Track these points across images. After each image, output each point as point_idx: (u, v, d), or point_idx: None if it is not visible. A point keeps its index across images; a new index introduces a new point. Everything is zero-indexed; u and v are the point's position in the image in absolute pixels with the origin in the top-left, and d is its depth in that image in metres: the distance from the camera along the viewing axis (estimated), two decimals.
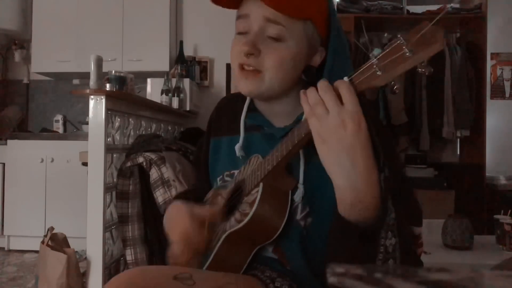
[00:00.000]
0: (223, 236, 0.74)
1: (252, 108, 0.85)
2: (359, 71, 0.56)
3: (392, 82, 0.54)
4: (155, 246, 1.82)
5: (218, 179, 0.88)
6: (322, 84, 0.58)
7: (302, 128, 0.63)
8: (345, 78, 0.57)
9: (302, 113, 0.72)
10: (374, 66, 0.53)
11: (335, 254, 0.63)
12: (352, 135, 0.55)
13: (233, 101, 0.91)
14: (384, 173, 0.60)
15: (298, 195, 0.72)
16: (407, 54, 0.51)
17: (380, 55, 0.53)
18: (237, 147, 0.82)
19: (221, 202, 0.83)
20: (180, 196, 0.96)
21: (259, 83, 0.74)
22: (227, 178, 0.86)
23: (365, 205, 0.57)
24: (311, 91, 0.59)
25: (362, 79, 0.55)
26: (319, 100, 0.57)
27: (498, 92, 3.68)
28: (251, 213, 0.69)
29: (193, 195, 0.95)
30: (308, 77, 0.80)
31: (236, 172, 0.83)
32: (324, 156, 0.58)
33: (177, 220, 0.78)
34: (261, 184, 0.70)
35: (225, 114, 0.92)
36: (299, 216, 0.73)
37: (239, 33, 0.76)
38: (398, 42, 0.52)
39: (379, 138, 0.67)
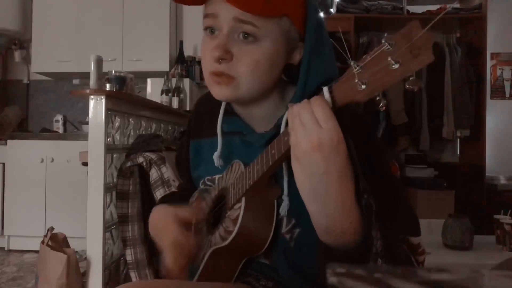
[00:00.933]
0: (208, 252, 0.72)
1: (229, 111, 0.78)
2: (340, 81, 0.50)
3: (378, 98, 0.47)
4: (155, 246, 1.82)
5: (200, 182, 0.84)
6: (301, 103, 0.53)
7: (281, 142, 0.58)
8: (325, 89, 0.51)
9: (282, 117, 0.68)
10: (356, 79, 0.47)
11: (320, 273, 0.61)
12: (328, 159, 0.50)
13: (211, 101, 0.80)
14: (365, 199, 0.56)
15: (284, 208, 0.67)
16: (393, 66, 0.44)
17: (363, 63, 0.46)
18: (215, 156, 0.77)
19: (205, 210, 0.80)
20: (164, 200, 0.93)
21: (234, 89, 0.67)
22: (208, 183, 0.82)
23: (341, 231, 0.54)
24: (291, 106, 0.54)
25: (343, 92, 0.49)
26: (296, 116, 0.52)
27: (498, 92, 3.68)
28: (234, 232, 0.65)
29: (178, 197, 0.92)
30: (288, 76, 0.75)
31: (217, 177, 0.79)
32: (296, 176, 0.53)
33: (164, 228, 0.75)
34: (243, 199, 0.66)
35: (203, 116, 0.87)
36: (284, 229, 0.69)
37: (207, 29, 0.68)
38: (382, 48, 0.45)
39: (364, 155, 0.63)
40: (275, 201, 0.68)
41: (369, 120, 0.75)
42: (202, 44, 0.70)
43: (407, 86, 0.45)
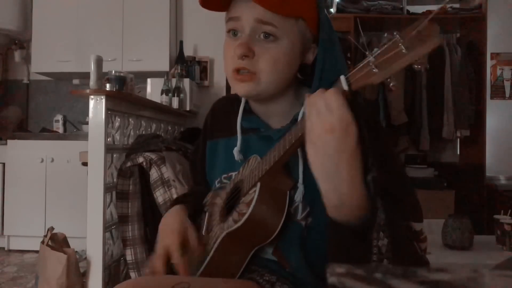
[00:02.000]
0: (221, 236, 0.74)
1: (247, 110, 0.84)
2: (355, 69, 0.56)
3: (388, 79, 0.54)
4: (155, 246, 1.82)
5: (216, 181, 0.88)
6: (315, 92, 0.59)
7: (298, 128, 0.63)
8: (342, 77, 0.57)
9: (298, 113, 0.74)
10: (370, 64, 0.53)
11: (332, 254, 0.64)
12: (338, 141, 0.55)
13: (228, 102, 0.90)
14: (372, 174, 0.60)
15: (299, 195, 0.72)
16: (403, 51, 0.50)
17: (377, 52, 0.53)
18: (235, 151, 0.82)
19: (220, 203, 0.82)
20: (180, 200, 0.95)
21: (255, 85, 0.73)
22: (225, 181, 0.85)
23: (350, 207, 0.57)
24: (312, 95, 0.60)
25: (358, 77, 0.55)
26: (311, 103, 0.58)
27: (498, 92, 3.68)
28: (248, 213, 0.68)
29: (193, 198, 0.95)
30: (303, 75, 0.79)
31: (234, 174, 0.83)
32: (311, 158, 0.58)
33: (169, 234, 0.82)
34: (258, 184, 0.70)
35: (220, 116, 0.92)
36: (300, 216, 0.72)
37: (230, 31, 0.75)
38: (395, 39, 0.51)
39: (373, 138, 0.68)
40: (288, 192, 0.71)
41: (375, 113, 0.81)
42: (225, 45, 0.77)
43: (415, 66, 0.51)
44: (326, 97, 0.56)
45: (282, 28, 0.71)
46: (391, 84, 0.54)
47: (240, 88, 0.75)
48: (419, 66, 0.51)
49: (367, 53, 0.54)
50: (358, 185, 0.57)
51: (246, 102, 0.85)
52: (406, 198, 0.72)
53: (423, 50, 0.50)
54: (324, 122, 0.55)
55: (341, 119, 0.54)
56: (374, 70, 0.53)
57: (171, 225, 0.83)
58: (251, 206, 0.68)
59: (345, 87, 0.56)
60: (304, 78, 0.80)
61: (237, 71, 0.73)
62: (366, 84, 0.55)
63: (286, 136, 0.66)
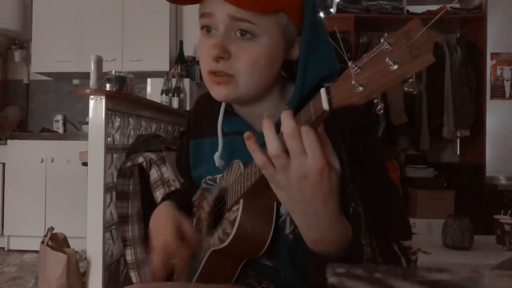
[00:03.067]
0: (208, 253, 0.72)
1: (230, 111, 0.77)
2: (337, 82, 0.47)
3: (376, 101, 0.44)
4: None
5: (202, 182, 0.84)
6: (288, 128, 0.49)
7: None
8: (322, 91, 0.48)
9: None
10: (353, 81, 0.44)
11: (312, 281, 0.61)
12: (313, 188, 0.50)
13: (210, 101, 0.80)
14: (352, 208, 0.57)
15: (284, 208, 0.67)
16: (391, 67, 0.41)
17: (361, 64, 0.44)
18: (216, 156, 0.76)
19: (206, 209, 0.80)
20: (168, 197, 0.92)
21: (233, 88, 0.66)
22: (210, 183, 0.82)
23: (329, 241, 0.55)
24: (272, 138, 0.51)
25: (341, 94, 0.46)
26: (280, 152, 0.50)
27: (498, 92, 3.68)
28: (232, 234, 0.65)
29: (181, 195, 0.92)
30: (287, 72, 0.72)
31: (218, 176, 0.79)
32: (283, 201, 0.54)
33: (162, 227, 0.76)
34: (241, 202, 0.65)
35: (202, 116, 0.86)
36: (288, 230, 0.69)
37: (203, 28, 0.68)
38: (381, 48, 0.42)
39: (361, 155, 0.63)
40: (274, 204, 0.66)
41: (368, 120, 0.73)
42: (200, 43, 0.70)
43: (406, 89, 0.42)
44: (302, 136, 0.49)
45: (260, 24, 0.63)
46: (378, 107, 0.44)
47: (216, 92, 0.68)
48: (410, 90, 0.42)
49: (349, 63, 0.44)
50: (336, 220, 0.54)
51: (228, 103, 0.77)
52: (393, 215, 0.67)
53: (415, 67, 0.41)
54: (298, 170, 0.49)
55: (317, 167, 0.49)
56: (358, 88, 0.44)
57: (163, 220, 0.77)
58: (235, 226, 0.65)
59: (326, 106, 0.47)
60: (289, 75, 0.72)
61: (213, 73, 0.66)
62: (348, 104, 0.46)
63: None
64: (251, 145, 0.53)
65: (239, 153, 0.74)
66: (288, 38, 0.68)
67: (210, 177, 0.81)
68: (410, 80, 0.42)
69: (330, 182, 0.50)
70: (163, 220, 0.77)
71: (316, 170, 0.49)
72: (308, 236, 0.55)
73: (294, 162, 0.50)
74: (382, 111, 0.44)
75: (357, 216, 0.56)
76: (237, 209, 0.66)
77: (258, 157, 0.53)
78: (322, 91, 0.48)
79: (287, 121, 0.50)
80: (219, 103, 0.78)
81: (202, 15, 0.67)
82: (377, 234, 0.59)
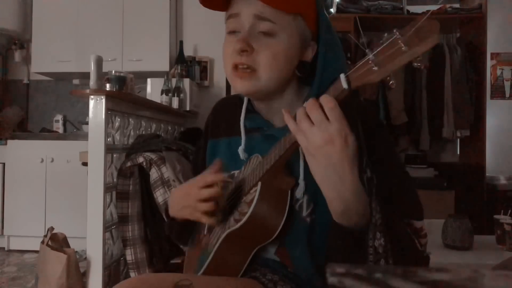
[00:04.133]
0: (222, 236, 0.74)
1: (250, 109, 0.84)
2: (355, 67, 0.56)
3: (388, 77, 0.54)
4: (155, 246, 1.83)
5: None
6: (309, 102, 0.58)
7: None
8: (342, 75, 0.57)
9: None
10: (370, 62, 0.53)
11: (332, 256, 0.65)
12: (340, 151, 0.56)
13: (231, 103, 0.90)
14: (367, 175, 0.62)
15: (300, 192, 0.72)
16: (403, 48, 0.50)
17: (377, 50, 0.53)
18: (240, 149, 0.82)
19: (221, 202, 0.82)
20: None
21: (255, 81, 0.73)
22: (227, 179, 0.84)
23: (356, 212, 0.59)
24: (298, 109, 0.60)
25: (358, 75, 0.55)
26: (304, 116, 0.58)
27: (498, 92, 3.68)
28: (249, 212, 0.68)
29: None
30: (302, 72, 0.79)
31: (236, 172, 0.83)
32: (313, 169, 0.59)
33: (187, 190, 0.78)
34: (259, 183, 0.70)
35: (222, 116, 0.92)
36: (305, 213, 0.73)
37: (230, 32, 0.76)
38: (394, 37, 0.51)
39: (370, 138, 0.70)
40: (289, 192, 0.71)
41: (376, 113, 0.86)
42: (225, 44, 0.77)
43: (415, 64, 0.52)
44: (323, 106, 0.57)
45: (280, 24, 0.72)
46: (391, 82, 0.54)
47: (239, 85, 0.75)
48: (419, 64, 0.52)
49: (366, 51, 0.54)
50: (359, 189, 0.58)
51: (249, 102, 0.85)
52: (406, 196, 0.72)
53: (423, 47, 0.50)
54: (323, 134, 0.56)
55: (340, 130, 0.55)
56: (374, 68, 0.53)
57: (185, 185, 0.80)
58: (252, 205, 0.68)
59: (345, 85, 0.56)
60: (304, 76, 0.80)
61: (236, 67, 0.73)
62: (366, 82, 0.55)
63: (286, 135, 0.66)
64: (286, 115, 0.61)
65: (258, 149, 0.79)
66: (303, 40, 0.76)
67: (227, 174, 0.84)
68: (418, 58, 0.51)
69: (353, 147, 0.56)
70: (183, 189, 0.80)
71: (339, 133, 0.55)
72: (335, 206, 0.60)
73: (318, 125, 0.56)
74: (394, 85, 0.54)
75: (370, 182, 0.62)
76: (255, 191, 0.70)
77: (291, 124, 0.60)
78: (342, 75, 0.57)
79: (310, 100, 0.59)
80: (240, 105, 0.85)
81: (230, 16, 0.76)
82: (390, 210, 0.62)
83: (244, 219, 0.69)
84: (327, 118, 0.56)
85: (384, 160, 0.72)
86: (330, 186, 0.58)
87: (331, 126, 0.56)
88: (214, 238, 0.78)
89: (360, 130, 0.65)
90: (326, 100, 0.57)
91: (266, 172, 0.69)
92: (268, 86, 0.75)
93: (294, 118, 0.60)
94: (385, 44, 0.52)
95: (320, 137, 0.56)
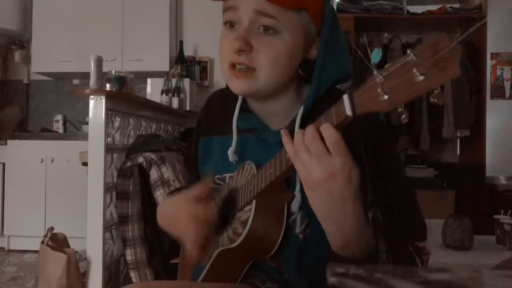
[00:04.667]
0: (215, 252, 0.71)
1: (244, 108, 0.77)
2: (361, 90, 0.48)
3: (400, 110, 0.45)
4: (155, 246, 1.83)
5: None
6: (309, 132, 0.52)
7: None
8: (345, 97, 0.49)
9: (298, 114, 0.69)
10: (379, 89, 0.45)
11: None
12: (342, 187, 0.51)
13: (225, 97, 0.81)
14: (372, 213, 0.58)
15: (295, 205, 0.67)
16: (418, 78, 0.42)
17: (387, 73, 0.44)
18: (230, 152, 0.75)
19: (214, 209, 0.79)
20: (172, 194, 0.92)
21: (253, 82, 0.67)
22: (218, 182, 0.80)
23: (356, 246, 0.56)
24: (296, 134, 0.54)
25: (364, 100, 0.47)
26: (303, 147, 0.52)
27: (498, 92, 3.68)
28: (243, 234, 0.65)
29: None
30: (305, 71, 0.74)
31: (227, 175, 0.78)
32: (312, 202, 0.55)
33: (178, 211, 0.72)
34: (253, 202, 0.66)
35: (216, 112, 0.85)
36: (298, 229, 0.69)
37: (227, 23, 0.69)
38: (407, 59, 0.43)
39: (380, 160, 0.65)
40: (285, 206, 0.67)
41: (385, 126, 0.75)
42: (222, 38, 0.71)
43: (432, 99, 0.44)
44: (326, 140, 0.51)
45: (283, 21, 0.65)
46: (403, 117, 0.46)
47: (236, 85, 0.69)
48: (435, 100, 0.44)
49: (375, 72, 0.45)
50: (361, 224, 0.55)
51: (243, 100, 0.78)
52: (411, 218, 0.68)
53: (441, 79, 0.42)
54: (324, 169, 0.51)
55: (344, 166, 0.50)
56: (383, 97, 0.44)
57: (177, 201, 0.74)
58: (247, 227, 0.65)
59: (349, 112, 0.48)
60: (307, 75, 0.74)
61: (233, 66, 0.67)
62: (373, 110, 0.47)
63: (283, 152, 0.58)
64: (285, 138, 0.55)
65: (250, 151, 0.75)
66: (308, 37, 0.70)
67: (219, 176, 0.80)
68: (436, 91, 0.43)
69: (357, 184, 0.52)
70: (173, 206, 0.75)
71: (343, 169, 0.50)
72: (335, 241, 0.57)
73: (319, 160, 0.51)
74: (407, 120, 0.46)
75: (376, 222, 0.57)
76: (250, 210, 0.66)
77: (289, 149, 0.54)
78: (345, 97, 0.49)
79: (308, 128, 0.52)
80: (233, 101, 0.78)
81: (227, 9, 0.68)
82: (394, 235, 0.60)
83: (239, 240, 0.65)
84: (329, 151, 0.51)
85: (391, 178, 0.68)
86: (331, 221, 0.55)
87: (333, 161, 0.50)
88: (208, 251, 0.75)
89: (365, 161, 0.60)
90: (329, 133, 0.50)
91: (261, 191, 0.64)
92: (267, 87, 0.69)
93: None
94: (396, 67, 0.44)
95: (321, 172, 0.51)
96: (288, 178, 0.67)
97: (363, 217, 0.55)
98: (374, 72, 0.45)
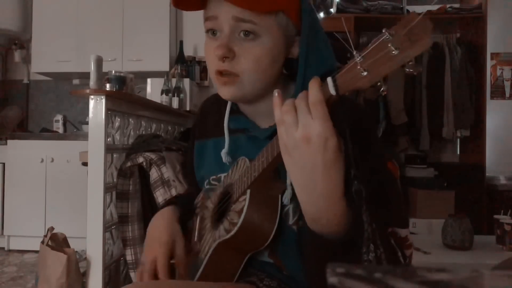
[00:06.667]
0: (213, 246, 0.72)
1: (235, 110, 0.81)
2: (342, 70, 0.50)
3: (379, 83, 0.48)
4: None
5: (205, 183, 0.86)
6: (301, 93, 0.53)
7: None
8: (329, 79, 0.51)
9: None
10: (358, 66, 0.48)
11: (308, 263, 0.62)
12: (315, 154, 0.51)
13: (217, 102, 0.86)
14: (355, 187, 0.57)
15: (286, 197, 0.69)
16: (393, 52, 0.45)
17: (365, 53, 0.48)
18: (223, 153, 0.79)
19: (210, 207, 0.81)
20: (172, 202, 0.94)
21: (238, 87, 0.70)
22: (214, 182, 0.83)
23: (328, 221, 0.55)
24: (288, 99, 0.55)
25: (346, 80, 0.50)
26: (290, 108, 0.53)
27: (498, 92, 3.68)
28: (239, 223, 0.66)
29: (186, 199, 0.94)
30: (289, 70, 0.76)
31: (223, 175, 0.81)
32: (288, 168, 0.55)
33: (156, 246, 0.82)
34: (248, 191, 0.68)
35: (209, 116, 0.89)
36: (291, 221, 0.70)
37: (209, 31, 0.72)
38: (383, 38, 0.46)
39: (358, 144, 0.64)
40: (279, 196, 0.69)
41: (368, 114, 0.78)
42: (206, 46, 0.73)
43: (407, 70, 0.47)
44: (309, 94, 0.52)
45: (261, 24, 0.67)
46: (382, 89, 0.49)
47: (224, 92, 0.72)
48: (411, 70, 0.48)
49: (354, 52, 0.49)
50: (337, 200, 0.54)
51: (233, 102, 0.82)
52: (391, 204, 0.68)
53: (415, 51, 0.45)
54: (302, 130, 0.51)
55: (320, 131, 0.50)
56: (363, 74, 0.48)
57: (158, 237, 0.82)
58: (242, 215, 0.66)
59: (333, 91, 0.51)
60: (291, 73, 0.77)
61: (220, 73, 0.70)
62: (354, 88, 0.50)
63: (274, 140, 0.60)
64: (276, 100, 0.55)
65: (243, 150, 0.77)
66: (288, 37, 0.71)
67: (214, 177, 0.83)
68: (410, 63, 0.47)
69: (332, 153, 0.51)
70: (159, 237, 0.83)
71: (318, 134, 0.50)
72: (307, 211, 0.56)
73: (300, 120, 0.51)
74: (385, 92, 0.50)
75: (359, 194, 0.57)
76: (244, 199, 0.68)
77: (277, 112, 0.55)
78: (329, 79, 0.52)
79: (307, 89, 0.53)
80: (225, 104, 0.82)
81: (207, 18, 0.72)
82: (374, 218, 0.58)
83: (235, 229, 0.67)
84: (310, 111, 0.51)
85: (371, 164, 0.68)
86: (301, 188, 0.55)
87: (311, 124, 0.50)
88: (205, 246, 0.77)
89: (348, 138, 0.60)
90: (312, 92, 0.51)
91: (255, 180, 0.66)
92: (253, 90, 0.71)
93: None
94: (373, 46, 0.47)
95: (298, 134, 0.51)
96: (279, 170, 0.69)
97: (339, 193, 0.54)
98: (354, 53, 0.49)
